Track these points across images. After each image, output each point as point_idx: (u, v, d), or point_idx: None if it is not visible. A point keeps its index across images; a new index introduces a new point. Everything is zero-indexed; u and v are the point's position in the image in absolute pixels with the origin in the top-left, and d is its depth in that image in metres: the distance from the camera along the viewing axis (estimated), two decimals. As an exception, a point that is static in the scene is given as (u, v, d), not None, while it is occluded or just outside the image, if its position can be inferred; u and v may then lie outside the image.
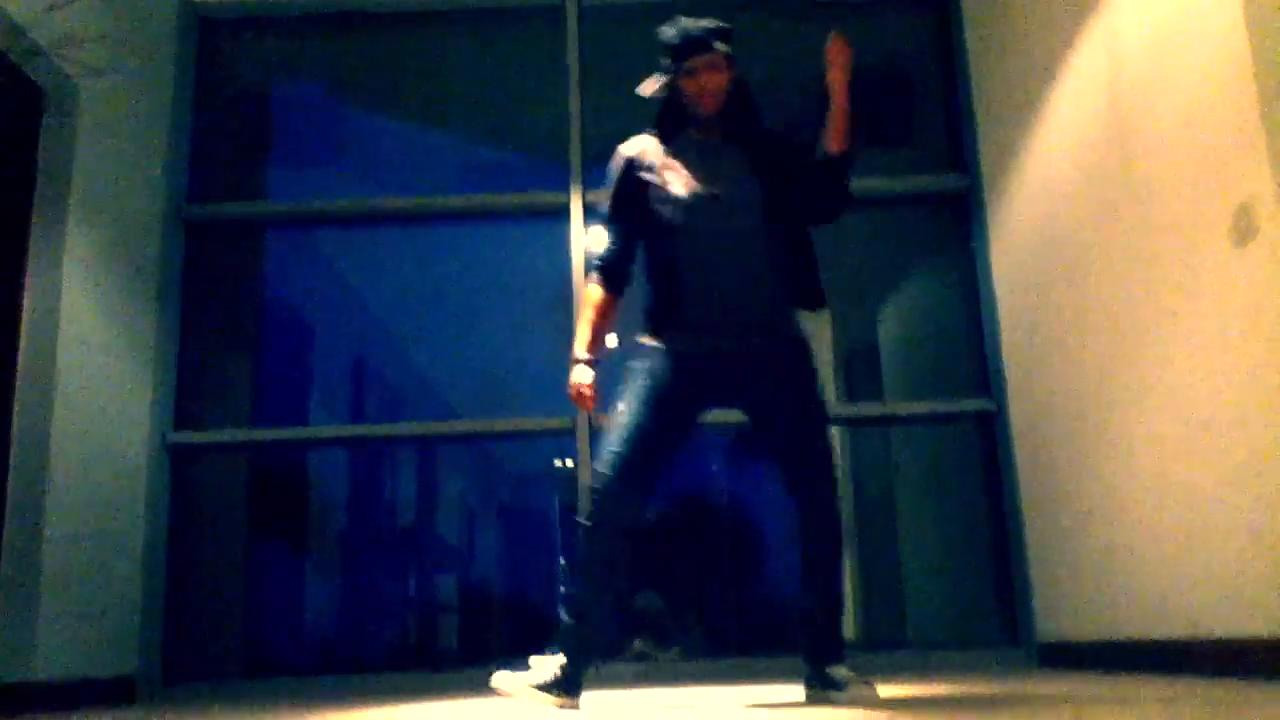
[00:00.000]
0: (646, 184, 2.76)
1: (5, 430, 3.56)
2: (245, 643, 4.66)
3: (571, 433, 4.41)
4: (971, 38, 4.64)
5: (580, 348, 2.79)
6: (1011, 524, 4.22)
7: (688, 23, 2.77)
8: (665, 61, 2.76)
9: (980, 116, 4.56)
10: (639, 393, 2.67)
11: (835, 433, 8.83)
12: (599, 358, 2.81)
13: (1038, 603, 4.05)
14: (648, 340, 2.75)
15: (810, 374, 2.76)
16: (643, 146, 2.84)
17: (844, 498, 8.65)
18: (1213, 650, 2.83)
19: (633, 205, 2.79)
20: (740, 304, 2.70)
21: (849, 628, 7.78)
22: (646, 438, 2.62)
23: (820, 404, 2.74)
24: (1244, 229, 2.70)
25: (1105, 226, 3.41)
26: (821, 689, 2.66)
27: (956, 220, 4.67)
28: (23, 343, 3.64)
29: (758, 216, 2.71)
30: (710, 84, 2.73)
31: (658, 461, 2.65)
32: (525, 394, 5.11)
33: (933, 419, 4.72)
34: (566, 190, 4.62)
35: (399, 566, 9.47)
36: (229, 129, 4.86)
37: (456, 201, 4.74)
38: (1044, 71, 3.84)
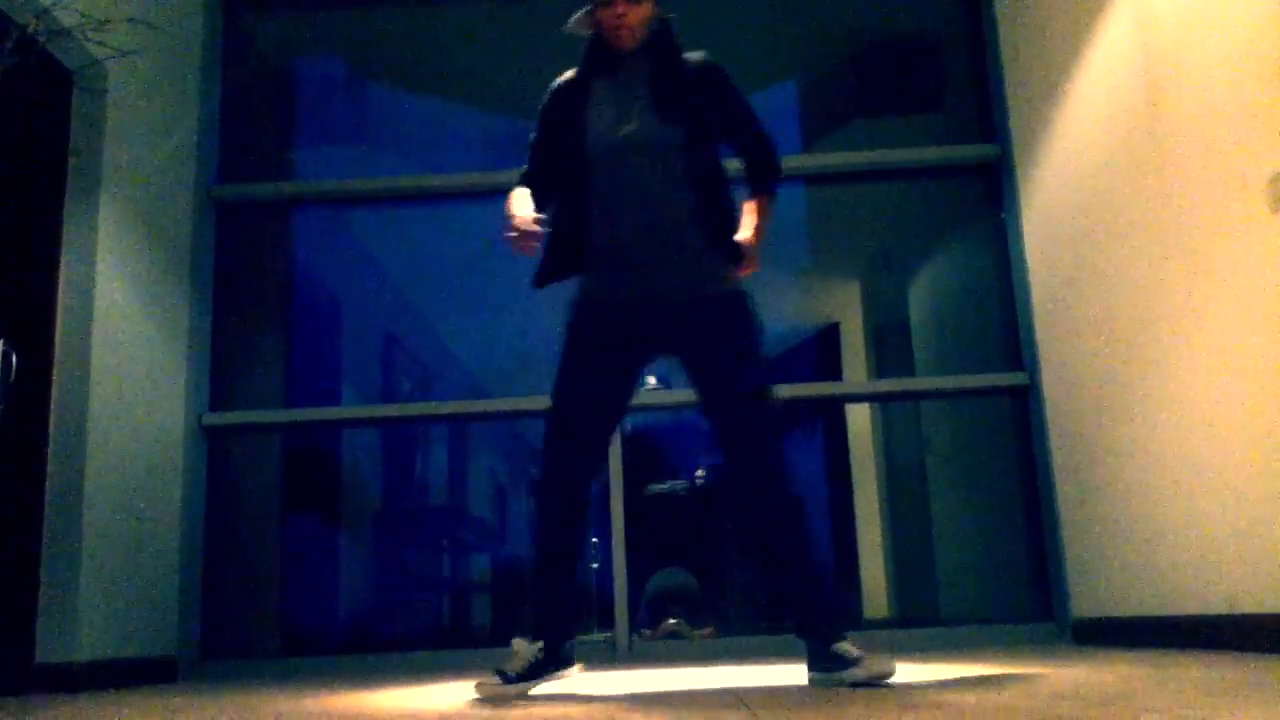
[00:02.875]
0: (561, 121, 2.67)
1: (44, 415, 3.60)
2: (282, 621, 4.72)
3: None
4: (1001, 5, 4.56)
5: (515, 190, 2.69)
6: (1045, 498, 4.19)
7: None
8: None
9: (1010, 85, 4.49)
10: (562, 350, 2.62)
11: (865, 408, 8.81)
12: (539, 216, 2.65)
13: (1072, 578, 4.02)
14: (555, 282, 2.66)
15: (744, 327, 2.58)
16: (567, 81, 2.74)
17: (874, 471, 8.62)
18: (1252, 626, 2.80)
19: (549, 143, 2.72)
20: (653, 248, 2.58)
21: (882, 605, 7.81)
22: (578, 397, 2.57)
23: (756, 359, 2.57)
24: (1278, 198, 2.65)
25: (1137, 196, 3.36)
26: (827, 671, 2.39)
27: (987, 191, 4.62)
28: (59, 326, 3.67)
29: (674, 162, 2.57)
30: (627, 16, 2.58)
31: (599, 419, 2.59)
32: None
33: (965, 394, 4.68)
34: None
35: (432, 544, 9.54)
36: (257, 108, 4.87)
37: (484, 178, 4.72)
38: (1074, 40, 3.78)
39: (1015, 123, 4.45)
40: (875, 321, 8.20)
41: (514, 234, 2.48)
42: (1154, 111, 3.25)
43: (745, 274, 2.63)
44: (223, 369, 4.49)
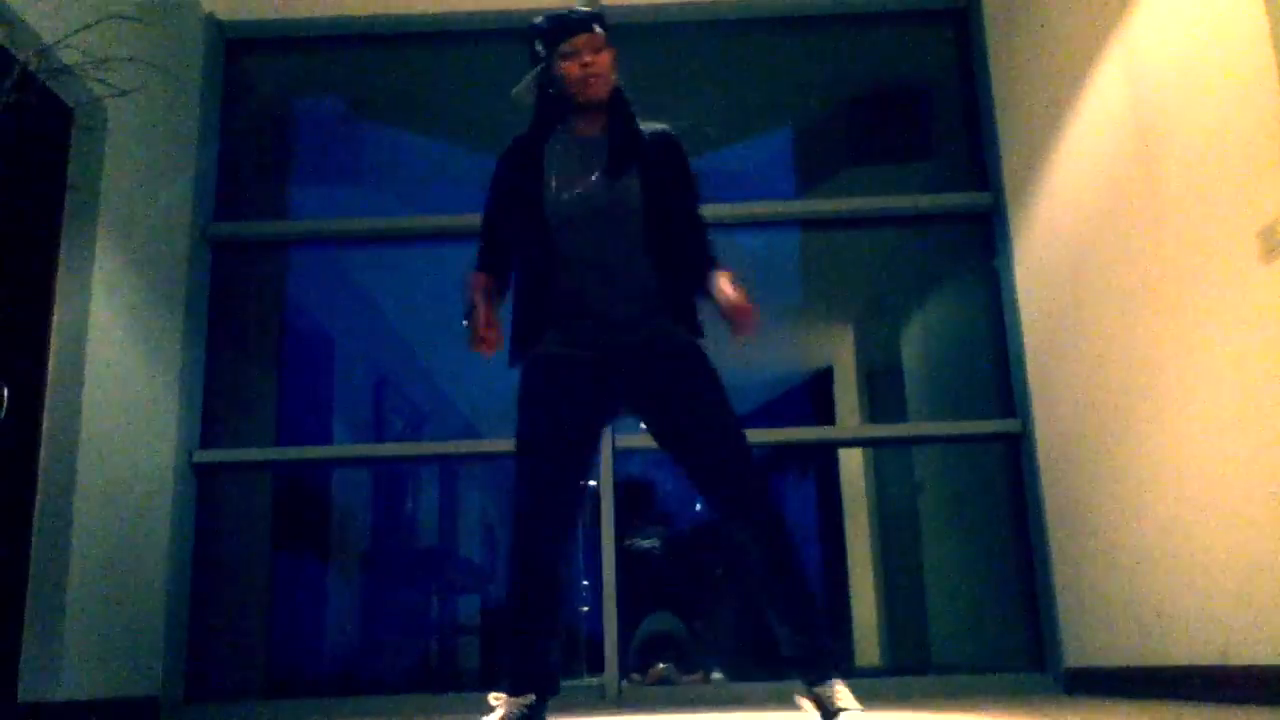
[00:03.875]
0: (516, 188, 2.62)
1: (33, 450, 3.58)
2: (268, 661, 4.67)
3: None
4: (993, 54, 4.62)
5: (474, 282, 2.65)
6: (1037, 546, 4.18)
7: (558, 10, 2.60)
8: (538, 49, 2.57)
9: (1003, 134, 4.54)
10: (523, 410, 2.54)
11: (857, 453, 8.80)
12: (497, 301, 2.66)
13: (1064, 627, 4.00)
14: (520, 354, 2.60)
15: (709, 379, 2.54)
16: (519, 145, 2.67)
17: (866, 515, 8.59)
18: (1245, 678, 2.78)
19: (506, 210, 2.68)
20: (614, 304, 2.53)
21: (874, 651, 7.75)
22: (545, 453, 2.48)
23: (727, 408, 2.52)
24: (1272, 246, 2.67)
25: (1129, 246, 3.39)
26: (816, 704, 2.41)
27: (980, 238, 4.64)
28: (51, 361, 3.66)
29: (636, 220, 2.54)
30: (595, 64, 2.53)
31: (564, 481, 2.49)
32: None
33: (958, 440, 4.68)
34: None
35: (421, 586, 9.47)
36: (254, 147, 4.90)
37: (480, 219, 4.73)
38: (1067, 89, 3.82)
39: (1007, 171, 4.49)
40: (868, 366, 8.22)
41: (476, 339, 2.49)
42: (1145, 161, 3.28)
43: (748, 332, 2.50)
44: (215, 406, 4.48)
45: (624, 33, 4.79)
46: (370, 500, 8.50)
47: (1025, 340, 4.32)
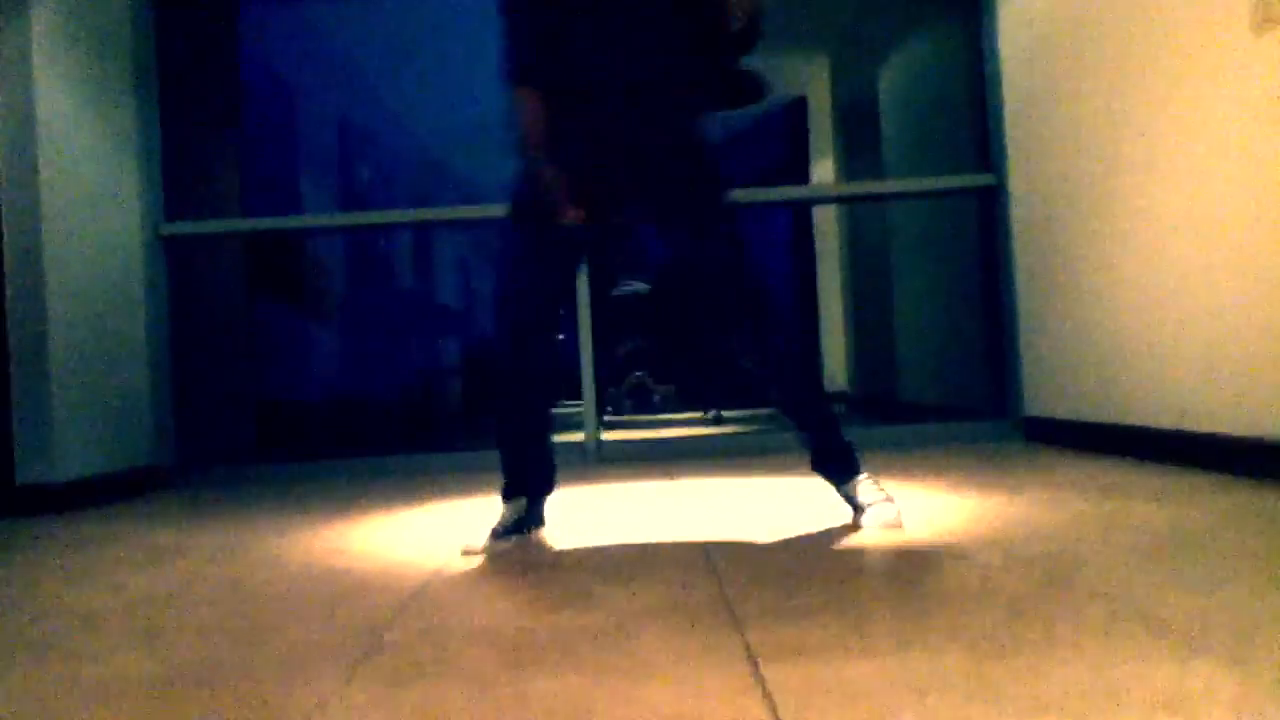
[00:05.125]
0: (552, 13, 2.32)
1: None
2: (258, 421, 4.80)
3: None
4: None
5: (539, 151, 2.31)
6: (1005, 297, 4.25)
7: None
8: None
9: None
10: (517, 216, 2.36)
11: (831, 177, 8.75)
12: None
13: (1027, 377, 4.14)
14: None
15: (703, 168, 2.36)
16: None
17: (838, 248, 8.67)
18: (1197, 444, 2.91)
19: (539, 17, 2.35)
20: (624, 102, 2.29)
21: (840, 378, 7.99)
22: (538, 233, 2.32)
23: (718, 193, 2.38)
24: (1263, 18, 2.57)
25: (1118, 2, 3.25)
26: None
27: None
28: (1, 145, 3.54)
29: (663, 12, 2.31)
30: None
31: (560, 259, 2.37)
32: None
33: (932, 195, 4.66)
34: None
35: (400, 334, 9.61)
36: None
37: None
38: None
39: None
40: (844, 101, 8.05)
41: (561, 212, 2.26)
42: (1141, -88, 3.10)
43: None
44: (177, 174, 4.38)
45: None
46: (343, 251, 8.49)
47: (1005, 94, 4.21)
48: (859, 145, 7.55)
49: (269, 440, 5.01)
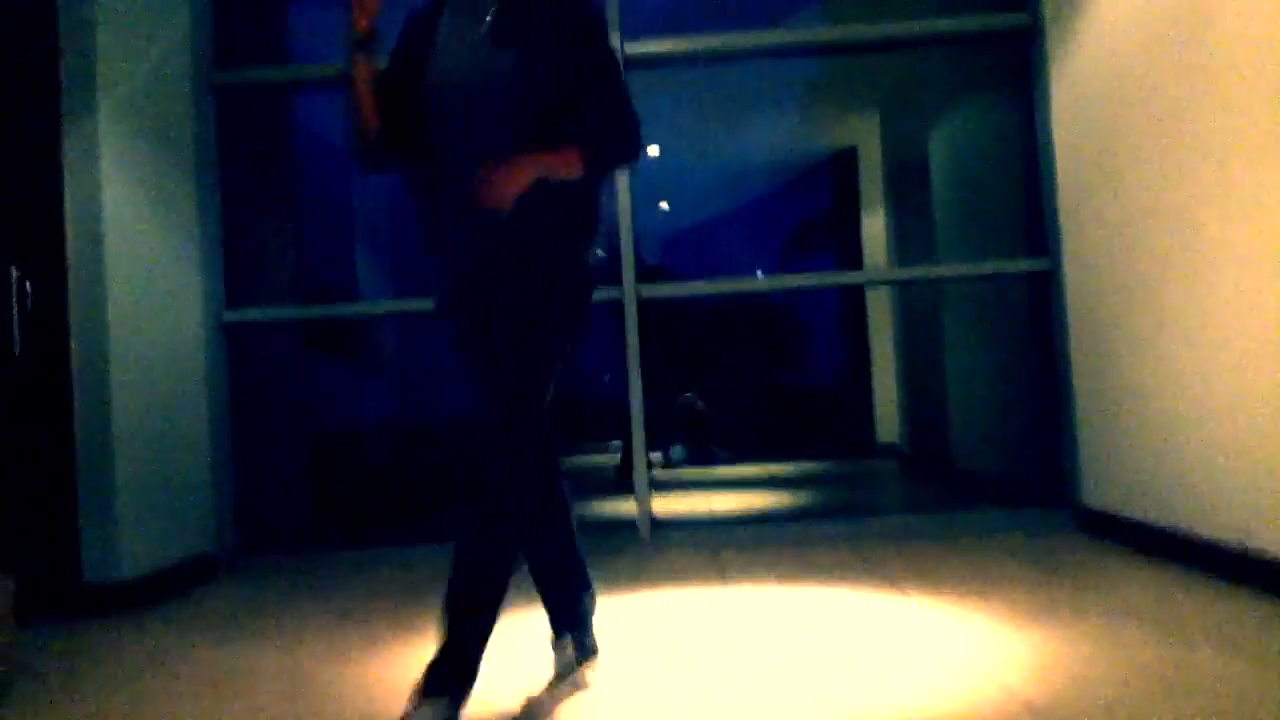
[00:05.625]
0: (408, 58, 2.23)
1: (63, 331, 3.60)
2: (313, 512, 4.86)
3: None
4: None
5: None
6: (1061, 383, 4.19)
7: None
8: None
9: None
10: (574, 306, 2.19)
11: (881, 243, 8.72)
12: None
13: (1084, 464, 4.08)
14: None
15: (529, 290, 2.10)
16: (422, 9, 2.28)
17: (888, 304, 8.64)
18: (1263, 568, 2.84)
19: (397, 80, 2.23)
20: (474, 207, 2.03)
21: (894, 431, 7.90)
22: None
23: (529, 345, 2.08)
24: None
25: (1178, 81, 3.18)
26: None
27: (1015, 56, 4.42)
28: (69, 239, 3.62)
29: (502, 97, 2.09)
30: None
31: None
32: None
33: (987, 278, 4.64)
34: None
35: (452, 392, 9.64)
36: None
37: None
38: (1119, -84, 3.53)
39: (1047, -12, 4.21)
40: (894, 156, 8.03)
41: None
42: None
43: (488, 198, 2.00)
44: (238, 260, 4.47)
45: None
46: (398, 327, 8.58)
47: (1059, 175, 4.18)
48: (910, 200, 7.53)
49: (328, 511, 5.08)
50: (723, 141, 9.46)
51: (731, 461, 9.03)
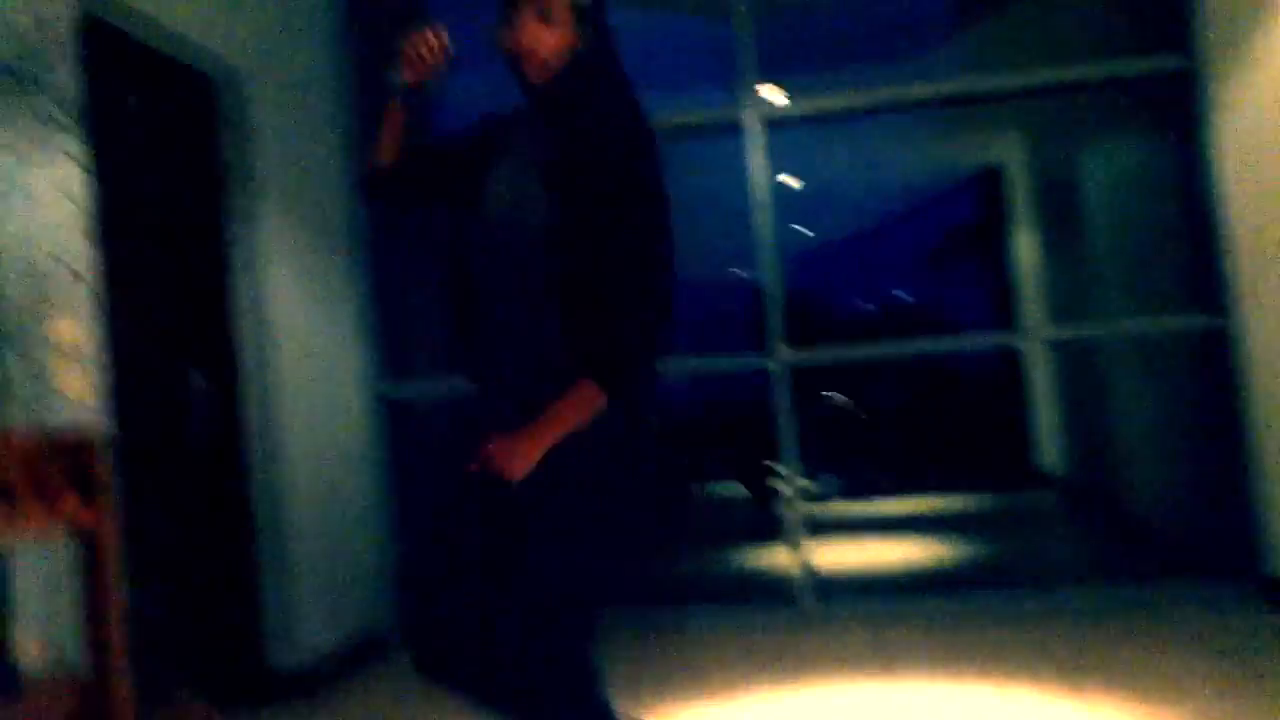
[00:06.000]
0: (469, 172, 2.02)
1: (237, 424, 3.76)
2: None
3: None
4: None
5: None
6: (1241, 448, 3.98)
7: None
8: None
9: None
10: None
11: (1031, 258, 8.45)
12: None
13: (1270, 531, 3.86)
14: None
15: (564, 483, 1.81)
16: (498, 119, 2.08)
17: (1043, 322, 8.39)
18: None
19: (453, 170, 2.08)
20: (506, 358, 1.90)
21: (1053, 456, 7.63)
22: None
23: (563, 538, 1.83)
24: None
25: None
26: None
27: (1172, 93, 4.20)
28: (239, 336, 3.77)
29: (539, 249, 1.86)
30: (527, 40, 1.89)
31: None
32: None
33: (1156, 338, 4.44)
34: (737, 105, 4.32)
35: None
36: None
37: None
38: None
39: (1209, 31, 3.98)
40: (1043, 177, 7.76)
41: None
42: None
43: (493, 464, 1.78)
44: (393, 335, 4.59)
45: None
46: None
47: (1233, 225, 3.95)
48: (1060, 221, 7.27)
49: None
50: (862, 159, 9.31)
51: (880, 492, 8.86)
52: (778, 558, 4.27)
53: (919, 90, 4.42)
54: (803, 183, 9.32)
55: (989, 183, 9.45)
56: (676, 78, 5.84)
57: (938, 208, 10.61)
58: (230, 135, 3.79)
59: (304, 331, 4.01)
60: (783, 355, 4.24)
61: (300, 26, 4.25)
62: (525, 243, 1.87)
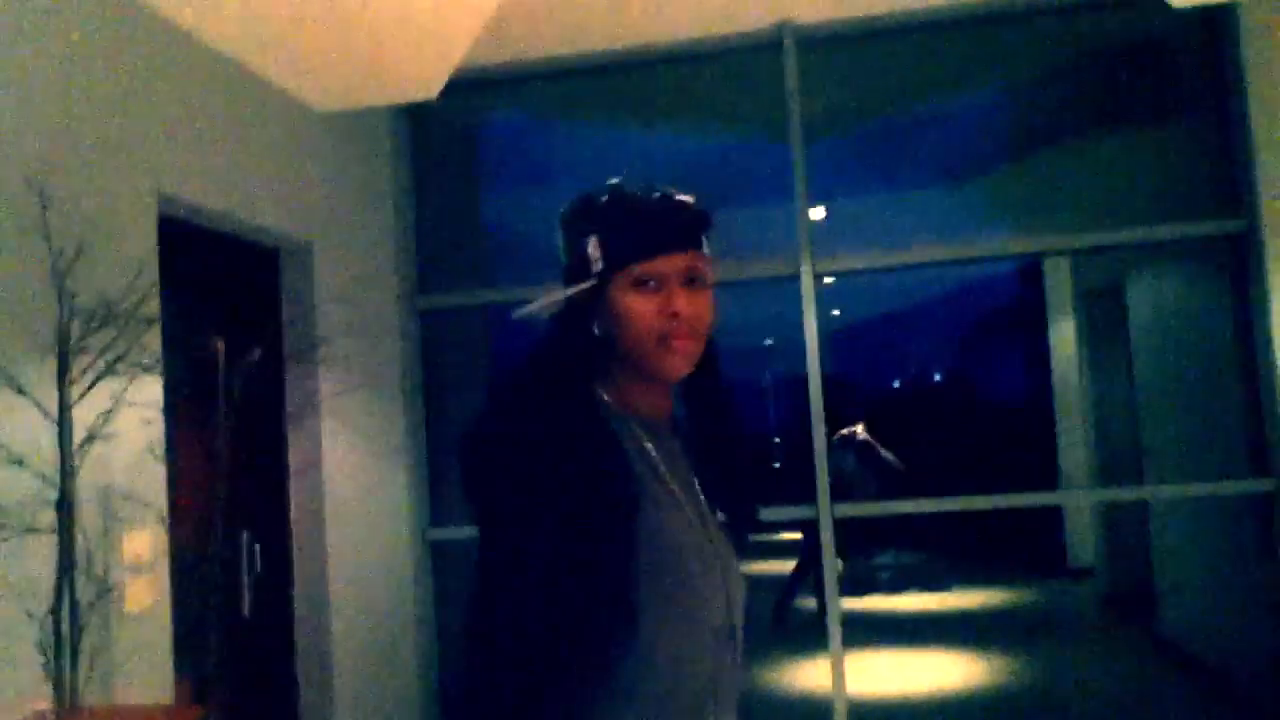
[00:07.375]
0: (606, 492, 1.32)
1: (287, 582, 3.81)
2: None
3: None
4: (1250, 54, 4.04)
5: None
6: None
7: (638, 190, 1.41)
8: (591, 252, 1.39)
9: (1259, 148, 4.01)
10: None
11: (1073, 367, 8.38)
12: None
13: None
14: None
15: None
16: (577, 423, 1.36)
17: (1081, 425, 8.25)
18: None
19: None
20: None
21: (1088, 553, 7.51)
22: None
23: None
24: None
25: None
26: None
27: (1232, 268, 4.21)
28: (292, 489, 3.83)
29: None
30: (692, 309, 1.37)
31: None
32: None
33: (1202, 498, 4.42)
34: (796, 259, 4.35)
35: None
36: (447, 214, 4.88)
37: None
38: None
39: (1265, 191, 3.98)
40: (1085, 278, 7.76)
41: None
42: None
43: None
44: (441, 480, 4.63)
45: (820, 46, 4.43)
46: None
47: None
48: (1102, 326, 7.27)
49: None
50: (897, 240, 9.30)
51: (920, 583, 8.77)
52: (810, 674, 4.24)
53: (966, 249, 4.49)
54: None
55: (1029, 274, 9.47)
56: (730, 194, 5.86)
57: (976, 294, 10.62)
58: (293, 298, 3.87)
59: (354, 477, 4.04)
60: (827, 507, 4.24)
61: (365, 192, 4.35)
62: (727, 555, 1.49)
